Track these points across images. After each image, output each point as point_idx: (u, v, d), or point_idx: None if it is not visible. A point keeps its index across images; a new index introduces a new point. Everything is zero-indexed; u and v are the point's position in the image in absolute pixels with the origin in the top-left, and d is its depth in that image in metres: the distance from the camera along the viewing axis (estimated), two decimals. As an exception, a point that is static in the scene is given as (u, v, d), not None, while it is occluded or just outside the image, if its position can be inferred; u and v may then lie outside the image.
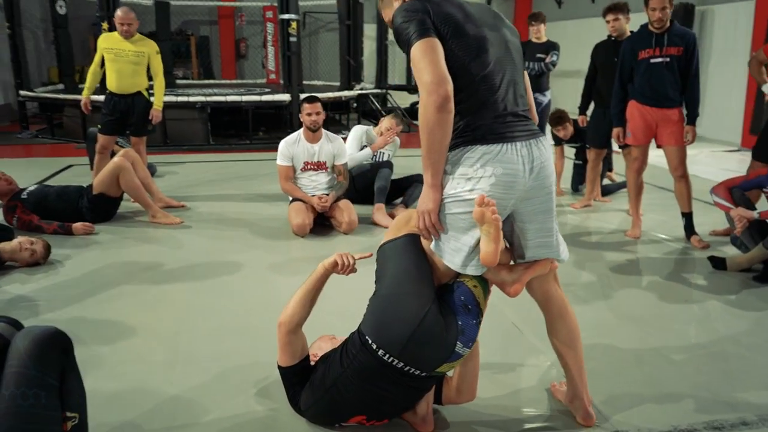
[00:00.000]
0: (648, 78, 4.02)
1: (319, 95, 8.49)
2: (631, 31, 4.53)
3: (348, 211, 4.30)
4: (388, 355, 1.80)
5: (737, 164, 7.24)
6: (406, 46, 1.77)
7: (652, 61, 4.00)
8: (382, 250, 1.97)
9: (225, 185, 5.81)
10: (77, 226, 4.11)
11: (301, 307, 1.96)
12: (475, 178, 1.76)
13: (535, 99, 5.95)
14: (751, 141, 8.32)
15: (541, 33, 5.89)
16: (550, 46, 5.86)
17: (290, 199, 4.45)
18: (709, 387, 2.35)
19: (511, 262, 1.98)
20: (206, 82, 12.27)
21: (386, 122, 5.07)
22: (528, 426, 2.09)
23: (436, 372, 1.86)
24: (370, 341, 1.83)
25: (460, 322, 1.82)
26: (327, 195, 4.32)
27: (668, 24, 3.94)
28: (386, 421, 2.01)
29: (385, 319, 1.82)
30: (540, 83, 5.92)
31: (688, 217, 4.19)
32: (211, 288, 3.29)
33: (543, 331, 2.71)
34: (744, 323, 2.95)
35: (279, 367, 2.03)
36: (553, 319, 2.05)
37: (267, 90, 9.75)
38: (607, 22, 4.72)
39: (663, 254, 3.98)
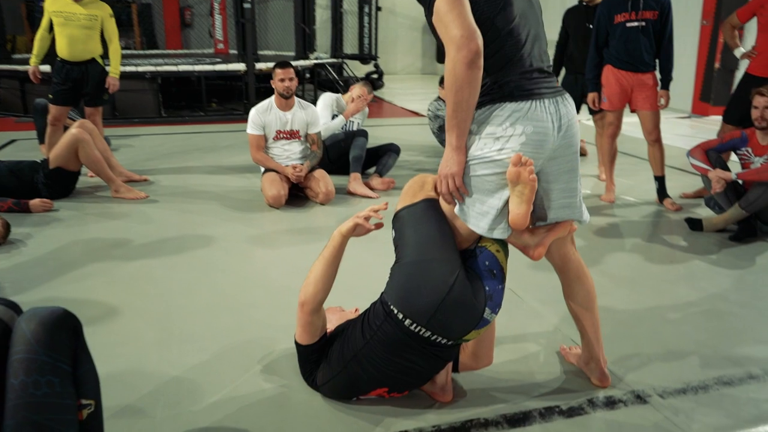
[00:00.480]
0: (624, 42, 4.03)
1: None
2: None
3: (324, 181, 4.17)
4: (415, 325, 1.73)
5: (689, 130, 7.46)
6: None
7: (628, 25, 4.00)
8: (398, 216, 1.87)
9: (186, 158, 5.55)
10: (35, 202, 3.83)
11: (324, 284, 1.85)
12: (504, 137, 1.69)
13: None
14: (701, 108, 8.60)
15: None
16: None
17: (262, 170, 4.28)
18: (709, 344, 2.39)
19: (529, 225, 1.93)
20: (150, 52, 11.69)
21: (357, 89, 4.93)
22: (544, 390, 2.06)
23: (464, 339, 1.80)
24: (395, 311, 1.74)
25: (487, 288, 1.75)
26: (302, 165, 4.17)
27: None
28: (406, 393, 1.95)
29: (412, 288, 1.73)
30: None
31: (660, 180, 4.27)
32: (190, 263, 3.13)
33: (543, 296, 2.74)
34: (728, 281, 3.03)
35: (298, 345, 1.92)
36: (571, 283, 2.02)
37: (218, 60, 9.36)
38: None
39: (640, 217, 4.04)
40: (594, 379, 2.08)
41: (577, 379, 2.13)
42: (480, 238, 1.84)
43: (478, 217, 1.75)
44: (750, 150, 3.66)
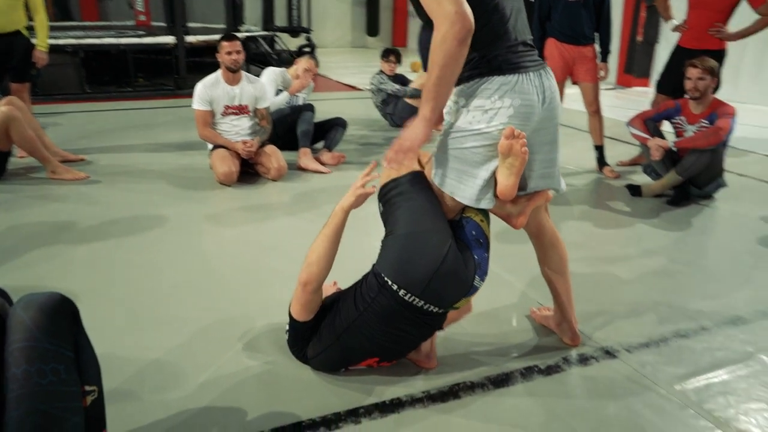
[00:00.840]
0: (567, 16, 4.16)
1: (205, 38, 7.92)
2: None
3: (276, 157, 4.11)
4: (409, 295, 1.76)
5: (616, 101, 7.81)
6: None
7: (570, 0, 4.13)
8: (385, 190, 1.89)
9: (121, 136, 5.30)
10: (-35, 186, 3.58)
11: (327, 262, 1.83)
12: (493, 110, 1.72)
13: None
14: (625, 79, 9.00)
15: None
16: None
17: (209, 147, 4.17)
18: (664, 301, 2.56)
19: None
20: (67, 24, 10.98)
21: (304, 63, 4.85)
22: (521, 352, 2.16)
23: (454, 307, 1.85)
24: (390, 282, 1.77)
25: (476, 257, 1.81)
26: (252, 140, 4.08)
27: None
28: (395, 362, 1.99)
29: (406, 259, 1.75)
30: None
31: (600, 149, 4.47)
32: (149, 244, 3.03)
33: (508, 265, 2.83)
34: (671, 242, 3.24)
35: (295, 321, 1.91)
36: (546, 249, 2.11)
37: (142, 32, 8.92)
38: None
39: (583, 185, 4.23)
40: (566, 338, 2.20)
41: (549, 339, 2.24)
42: (464, 209, 1.88)
43: (464, 188, 1.79)
44: (684, 119, 3.89)
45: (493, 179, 1.78)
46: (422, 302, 1.77)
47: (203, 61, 7.88)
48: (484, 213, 1.91)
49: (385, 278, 1.78)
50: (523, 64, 1.76)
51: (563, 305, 2.17)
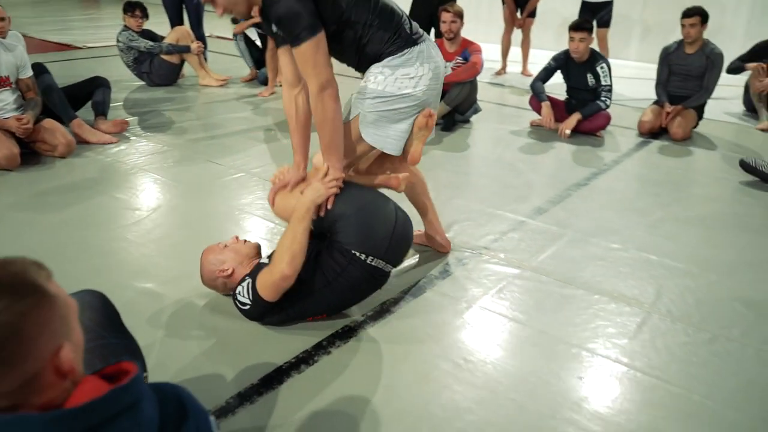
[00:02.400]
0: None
1: None
2: None
3: (60, 131, 3.69)
4: (373, 258, 1.98)
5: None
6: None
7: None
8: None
9: None
10: None
11: (303, 253, 1.91)
12: (416, 77, 2.03)
13: (189, -10, 5.79)
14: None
15: None
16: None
17: (-33, 129, 3.53)
18: (487, 204, 3.18)
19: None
20: None
21: None
22: (413, 267, 2.55)
23: (399, 263, 2.15)
24: (357, 254, 1.95)
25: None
26: (26, 115, 3.58)
27: None
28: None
29: (367, 229, 1.97)
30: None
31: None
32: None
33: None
34: (462, 160, 3.93)
35: (262, 300, 1.94)
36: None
37: None
38: None
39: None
40: (440, 248, 2.65)
41: (429, 251, 2.66)
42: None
43: (392, 142, 2.09)
44: (442, 57, 4.59)
45: (408, 133, 2.10)
46: (383, 263, 2.02)
47: None
48: None
49: (353, 251, 1.96)
50: (422, 35, 2.09)
51: (431, 220, 2.60)
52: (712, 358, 1.99)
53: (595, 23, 5.90)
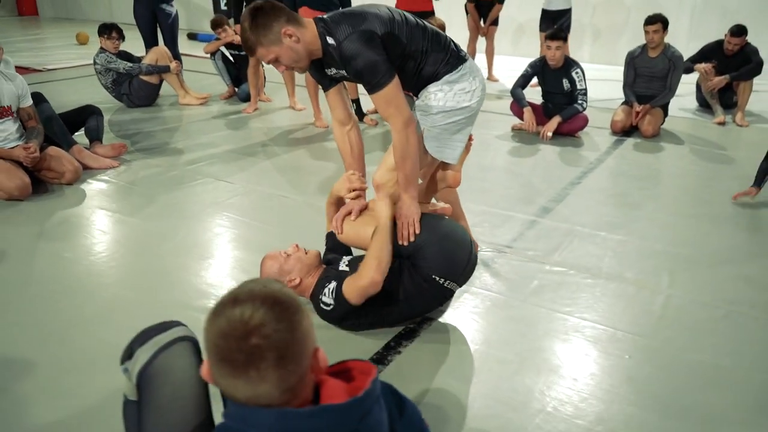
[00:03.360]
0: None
1: None
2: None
3: (66, 158, 3.70)
4: (450, 282, 2.15)
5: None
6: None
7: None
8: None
9: None
10: None
11: (389, 260, 2.05)
12: (471, 90, 2.23)
13: (162, 10, 5.86)
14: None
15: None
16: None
17: (-31, 161, 3.50)
18: (495, 210, 3.41)
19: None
20: None
21: None
22: (474, 295, 2.73)
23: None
24: (437, 278, 2.11)
25: None
26: (31, 144, 3.58)
27: None
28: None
29: (451, 257, 2.14)
30: (164, -7, 5.77)
31: (357, 102, 5.16)
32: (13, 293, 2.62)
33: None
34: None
35: (348, 304, 2.07)
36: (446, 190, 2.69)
37: None
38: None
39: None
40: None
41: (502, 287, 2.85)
42: None
43: (451, 153, 2.31)
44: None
45: (465, 142, 2.31)
46: (456, 285, 2.20)
47: None
48: None
49: (434, 276, 2.11)
50: (465, 51, 2.30)
51: (463, 226, 2.81)
52: (730, 330, 2.28)
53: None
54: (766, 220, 3.28)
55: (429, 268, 2.13)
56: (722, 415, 1.84)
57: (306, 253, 2.30)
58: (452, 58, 2.23)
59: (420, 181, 2.40)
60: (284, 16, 2.03)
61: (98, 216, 3.31)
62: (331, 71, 2.20)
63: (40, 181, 3.69)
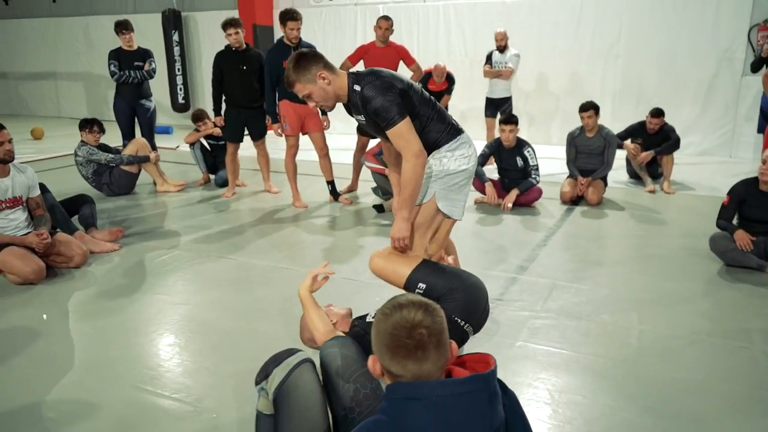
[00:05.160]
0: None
1: None
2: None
3: (74, 243, 3.91)
4: (468, 326, 2.47)
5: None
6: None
7: (294, 68, 5.13)
8: (417, 274, 2.49)
9: None
10: None
11: (321, 323, 2.33)
12: (468, 156, 2.67)
13: (142, 105, 6.23)
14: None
15: (133, 41, 6.08)
16: (145, 53, 6.14)
17: (-18, 248, 3.66)
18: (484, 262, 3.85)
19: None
20: None
21: None
22: (485, 339, 3.11)
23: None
24: (458, 320, 2.42)
25: None
26: (43, 231, 3.78)
27: (299, 37, 5.13)
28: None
29: (473, 304, 2.45)
30: (143, 90, 6.15)
31: (332, 183, 5.61)
32: (37, 359, 2.80)
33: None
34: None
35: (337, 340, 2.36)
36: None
37: None
38: (229, 35, 5.47)
39: (338, 212, 5.30)
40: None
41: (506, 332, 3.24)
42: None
43: (457, 211, 2.71)
44: (396, 151, 5.35)
45: (465, 201, 2.74)
46: (472, 329, 2.51)
47: None
48: None
49: (455, 317, 2.43)
50: (458, 126, 2.77)
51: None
52: (696, 354, 2.75)
53: (498, 115, 7.04)
54: (707, 266, 3.86)
55: (453, 309, 2.44)
56: (704, 416, 2.28)
57: (340, 308, 2.67)
58: (452, 130, 2.68)
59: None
60: (322, 63, 2.53)
61: (114, 294, 3.51)
62: (356, 116, 2.63)
63: (48, 266, 3.86)
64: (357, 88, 2.52)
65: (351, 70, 2.64)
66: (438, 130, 2.66)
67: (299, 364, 1.69)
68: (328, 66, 2.55)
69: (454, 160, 2.69)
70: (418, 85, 2.67)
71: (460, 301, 2.47)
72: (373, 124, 2.59)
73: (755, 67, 6.00)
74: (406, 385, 1.27)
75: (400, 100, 2.49)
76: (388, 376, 1.31)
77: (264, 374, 1.72)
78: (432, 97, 2.72)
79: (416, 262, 2.57)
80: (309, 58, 2.55)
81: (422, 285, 2.51)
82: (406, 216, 2.58)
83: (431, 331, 1.27)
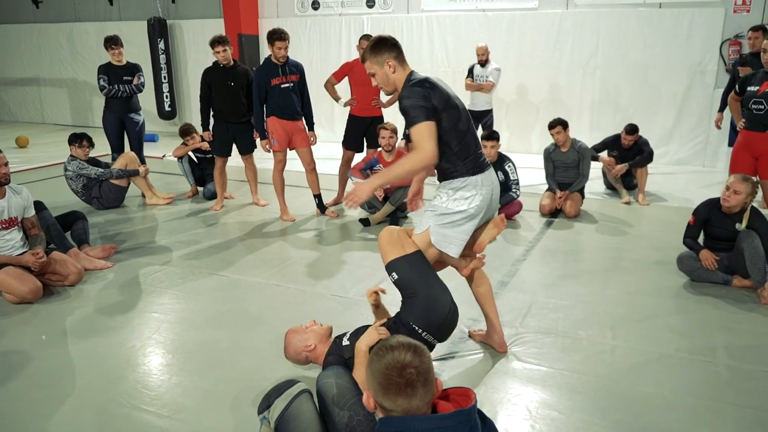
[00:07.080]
0: (283, 99, 5.28)
1: None
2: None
3: (69, 261, 4.02)
4: (427, 334, 2.62)
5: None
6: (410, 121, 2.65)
7: (283, 86, 5.27)
8: (396, 264, 2.67)
9: None
10: None
11: None
12: (470, 197, 2.77)
13: (131, 119, 6.33)
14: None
15: (122, 56, 6.17)
16: (134, 68, 6.23)
17: (-24, 269, 3.76)
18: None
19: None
20: None
21: None
22: (469, 356, 3.22)
23: (443, 341, 2.80)
24: (417, 328, 2.59)
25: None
26: (38, 250, 3.88)
27: (286, 56, 5.27)
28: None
29: (428, 313, 2.60)
30: (132, 104, 6.25)
31: (319, 197, 5.75)
32: (40, 378, 2.92)
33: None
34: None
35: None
36: (478, 280, 3.15)
37: None
38: (217, 52, 5.60)
39: (324, 225, 5.45)
40: (497, 346, 3.12)
41: (486, 349, 3.24)
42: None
43: (452, 247, 2.80)
44: (381, 165, 5.51)
45: (465, 241, 2.84)
46: (432, 338, 2.67)
47: None
48: None
49: (413, 325, 2.60)
50: (482, 165, 2.83)
51: (492, 320, 3.15)
52: (664, 368, 2.95)
53: (480, 127, 7.23)
54: (676, 280, 4.08)
55: (410, 317, 2.59)
56: (669, 429, 2.47)
57: (321, 326, 2.80)
58: (466, 170, 2.76)
59: None
60: (395, 53, 2.75)
61: (110, 313, 3.63)
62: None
63: (44, 284, 3.96)
64: (406, 84, 2.72)
65: (413, 70, 2.78)
66: (452, 163, 2.75)
67: (299, 395, 1.85)
68: (398, 58, 2.76)
69: (454, 200, 2.78)
70: (461, 115, 2.74)
71: (415, 307, 2.61)
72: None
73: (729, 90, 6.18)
74: (397, 419, 1.43)
75: (430, 105, 2.62)
76: (381, 410, 1.47)
77: (266, 404, 1.88)
78: (468, 135, 2.76)
79: (409, 251, 2.71)
80: (386, 45, 2.76)
81: (395, 275, 2.68)
82: (375, 184, 2.69)
83: (419, 371, 1.43)
